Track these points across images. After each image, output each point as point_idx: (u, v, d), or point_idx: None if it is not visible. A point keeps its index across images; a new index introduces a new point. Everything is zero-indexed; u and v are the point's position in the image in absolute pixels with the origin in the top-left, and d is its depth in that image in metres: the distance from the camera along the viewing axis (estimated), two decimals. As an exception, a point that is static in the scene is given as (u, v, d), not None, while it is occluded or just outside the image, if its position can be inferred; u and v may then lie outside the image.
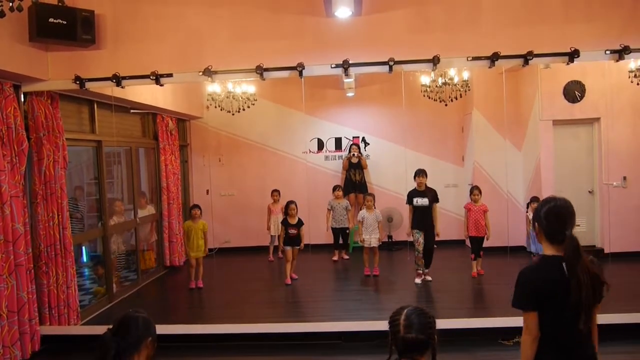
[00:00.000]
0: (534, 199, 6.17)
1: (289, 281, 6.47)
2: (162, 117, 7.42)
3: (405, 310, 1.91)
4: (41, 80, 4.65)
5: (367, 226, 6.62)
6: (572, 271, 2.09)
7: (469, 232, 6.45)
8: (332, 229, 7.68)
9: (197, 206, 6.68)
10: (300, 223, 6.50)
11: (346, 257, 7.85)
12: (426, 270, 6.32)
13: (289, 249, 6.50)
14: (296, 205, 6.51)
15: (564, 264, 2.12)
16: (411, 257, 6.52)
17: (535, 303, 2.15)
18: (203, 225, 6.50)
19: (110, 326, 1.97)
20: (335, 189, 7.64)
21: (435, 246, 6.36)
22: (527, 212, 6.45)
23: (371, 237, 6.61)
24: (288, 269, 6.51)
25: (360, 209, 7.09)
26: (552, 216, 2.19)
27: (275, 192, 7.91)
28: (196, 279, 6.50)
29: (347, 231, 7.74)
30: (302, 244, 6.53)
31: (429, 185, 6.31)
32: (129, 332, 1.97)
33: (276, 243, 7.98)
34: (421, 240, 6.23)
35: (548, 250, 2.22)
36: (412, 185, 6.43)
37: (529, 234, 6.41)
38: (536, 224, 2.26)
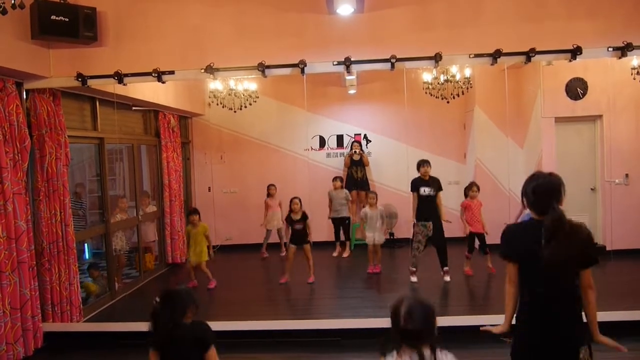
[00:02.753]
0: None
1: (284, 280, 6.39)
2: (164, 115, 7.42)
3: (406, 301, 1.94)
4: (43, 77, 4.66)
5: (371, 224, 6.61)
6: (552, 235, 2.25)
7: (472, 229, 6.40)
8: (332, 219, 7.67)
9: (195, 212, 6.46)
10: (304, 217, 6.38)
11: (345, 255, 7.75)
12: (446, 269, 6.20)
13: (293, 247, 6.41)
14: (300, 201, 6.42)
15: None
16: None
17: (515, 255, 2.41)
18: (204, 229, 6.33)
19: (157, 299, 2.37)
20: (334, 179, 7.65)
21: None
22: None
23: (375, 235, 6.60)
24: (287, 268, 6.45)
25: (363, 207, 7.08)
26: (540, 191, 2.37)
27: (272, 186, 7.92)
28: (196, 279, 6.41)
29: (347, 222, 7.71)
30: (309, 238, 6.36)
31: None
32: (175, 303, 2.38)
33: (271, 240, 7.98)
34: (426, 232, 6.13)
35: (535, 216, 2.42)
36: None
37: None
38: (524, 199, 2.42)
